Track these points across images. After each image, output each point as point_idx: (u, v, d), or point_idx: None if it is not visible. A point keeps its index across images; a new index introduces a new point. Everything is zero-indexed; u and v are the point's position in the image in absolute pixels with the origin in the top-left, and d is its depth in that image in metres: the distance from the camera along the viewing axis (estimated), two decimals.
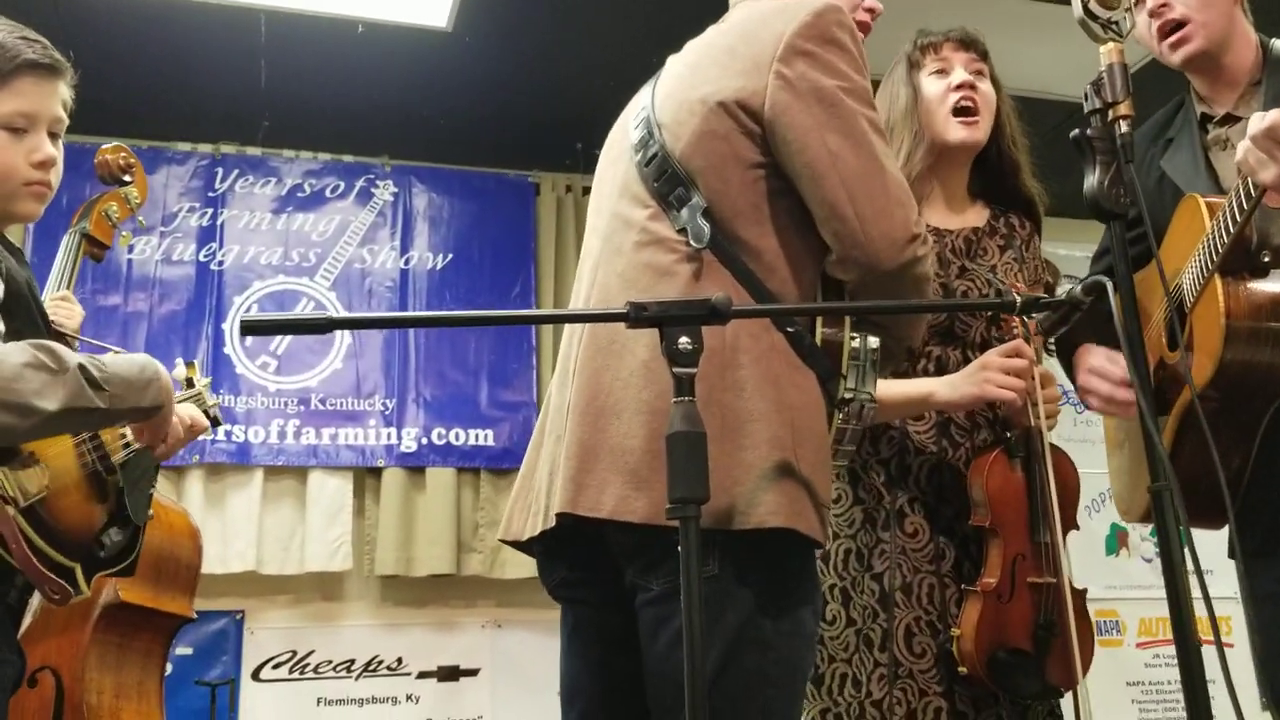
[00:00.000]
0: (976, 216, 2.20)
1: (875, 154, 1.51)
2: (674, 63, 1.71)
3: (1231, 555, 1.75)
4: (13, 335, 1.53)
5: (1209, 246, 1.75)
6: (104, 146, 2.41)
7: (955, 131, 2.09)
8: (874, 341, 1.53)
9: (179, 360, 2.04)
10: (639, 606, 1.49)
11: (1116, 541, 5.10)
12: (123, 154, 2.41)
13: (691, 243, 1.51)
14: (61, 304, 2.27)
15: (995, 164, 2.20)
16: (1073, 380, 2.10)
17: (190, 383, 2.04)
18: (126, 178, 2.39)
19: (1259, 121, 1.55)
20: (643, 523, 1.41)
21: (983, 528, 1.98)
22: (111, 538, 1.72)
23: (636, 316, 1.23)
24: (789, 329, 1.50)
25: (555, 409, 1.62)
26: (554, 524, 1.51)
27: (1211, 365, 1.74)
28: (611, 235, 1.63)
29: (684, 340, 1.22)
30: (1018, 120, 2.21)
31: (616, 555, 1.51)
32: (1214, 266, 1.73)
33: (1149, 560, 5.05)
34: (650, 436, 1.43)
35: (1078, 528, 2.09)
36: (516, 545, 1.66)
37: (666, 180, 1.55)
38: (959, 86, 2.10)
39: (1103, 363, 2.01)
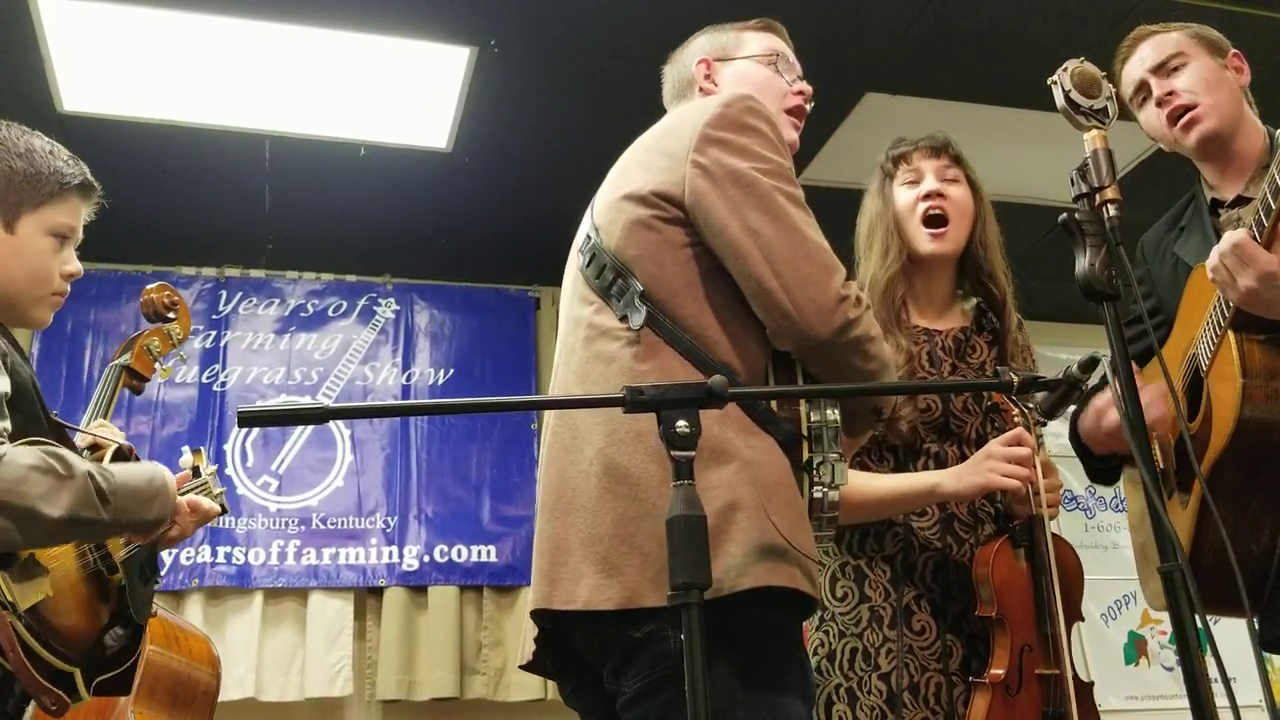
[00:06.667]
0: (964, 316, 2.22)
1: (794, 224, 1.52)
2: (611, 171, 1.76)
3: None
4: (18, 430, 1.52)
5: (1219, 305, 1.75)
6: (149, 286, 2.55)
7: (924, 244, 2.14)
8: (832, 414, 1.50)
9: (185, 448, 2.06)
10: (619, 711, 1.44)
11: (1135, 650, 4.99)
12: (166, 292, 2.53)
13: (631, 327, 1.53)
14: (101, 430, 2.30)
15: (972, 264, 2.23)
16: (1091, 447, 2.07)
17: (197, 471, 2.05)
18: (170, 315, 2.52)
19: (1227, 240, 1.59)
20: (617, 609, 1.38)
21: (989, 618, 1.96)
22: (115, 636, 1.68)
23: (633, 401, 1.22)
24: None
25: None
26: (536, 631, 1.49)
27: (1231, 422, 1.71)
28: (566, 337, 1.67)
29: (681, 424, 1.21)
30: (993, 221, 2.23)
31: (586, 652, 1.47)
32: (1226, 323, 1.73)
33: (1169, 669, 4.93)
34: (617, 521, 1.42)
35: (1083, 619, 2.06)
36: (538, 670, 1.61)
37: (606, 272, 1.59)
38: (927, 195, 2.15)
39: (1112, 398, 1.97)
